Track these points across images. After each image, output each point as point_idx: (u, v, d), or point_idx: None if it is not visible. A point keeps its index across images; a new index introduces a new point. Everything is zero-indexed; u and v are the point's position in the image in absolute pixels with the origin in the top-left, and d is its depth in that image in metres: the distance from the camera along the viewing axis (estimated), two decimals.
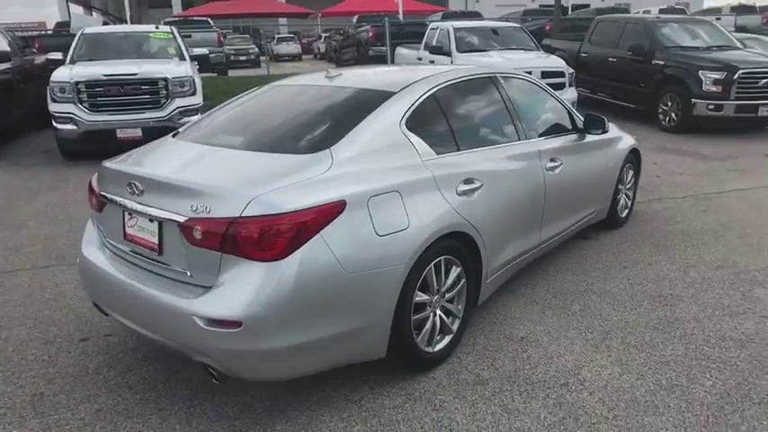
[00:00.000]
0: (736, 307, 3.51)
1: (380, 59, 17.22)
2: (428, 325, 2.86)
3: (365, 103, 2.96)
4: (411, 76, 3.26)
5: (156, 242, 2.50)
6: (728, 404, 2.61)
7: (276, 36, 30.13)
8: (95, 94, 7.69)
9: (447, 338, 2.99)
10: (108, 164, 2.87)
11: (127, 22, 24.64)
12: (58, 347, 3.29)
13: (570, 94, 9.12)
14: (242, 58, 27.07)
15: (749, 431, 2.44)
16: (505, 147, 3.43)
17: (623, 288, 3.82)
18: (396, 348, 2.68)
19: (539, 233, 3.71)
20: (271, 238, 2.22)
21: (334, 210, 2.36)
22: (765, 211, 5.33)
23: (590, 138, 4.24)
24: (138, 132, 7.88)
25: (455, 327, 3.03)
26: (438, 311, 2.91)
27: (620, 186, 4.81)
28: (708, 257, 4.29)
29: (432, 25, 11.46)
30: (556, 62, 9.26)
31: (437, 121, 3.10)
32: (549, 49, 11.37)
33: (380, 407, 2.66)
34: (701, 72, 8.43)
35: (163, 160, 2.92)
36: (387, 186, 2.58)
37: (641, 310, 3.50)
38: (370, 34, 16.52)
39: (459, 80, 3.36)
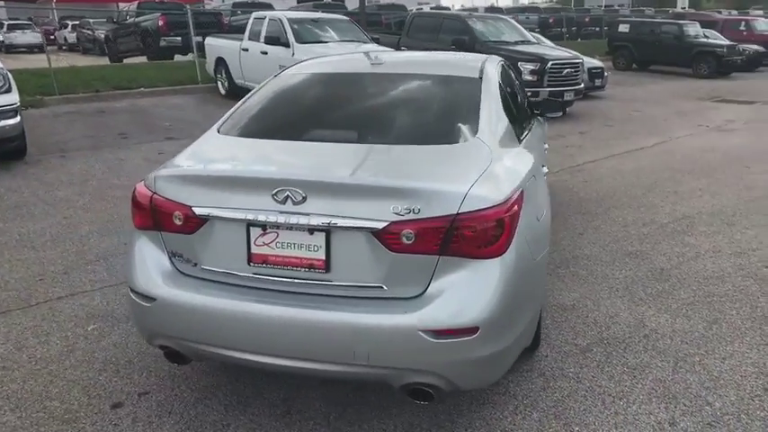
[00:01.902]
0: (687, 253, 4.33)
1: (173, 51, 15.82)
2: None
3: (461, 89, 2.93)
4: (465, 61, 3.28)
5: (322, 257, 2.12)
6: (764, 324, 3.27)
7: (5, 22, 25.05)
8: None
9: None
10: (220, 171, 2.33)
11: None
12: (94, 423, 2.53)
13: None
14: None
15: None
16: (535, 129, 3.65)
17: (599, 251, 4.38)
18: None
19: None
20: (491, 232, 2.08)
21: (521, 198, 2.30)
22: (626, 177, 6.54)
23: (540, 120, 4.70)
24: None
25: None
26: None
27: None
28: (630, 218, 5.14)
29: (256, 15, 10.98)
30: None
31: (505, 106, 3.16)
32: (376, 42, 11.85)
33: (532, 392, 2.69)
34: (519, 63, 9.76)
35: (292, 161, 2.43)
36: (529, 171, 2.59)
37: (631, 267, 4.09)
38: (161, 23, 15.00)
39: (497, 65, 3.44)
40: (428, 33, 11.30)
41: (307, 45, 9.71)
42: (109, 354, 3.05)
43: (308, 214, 2.09)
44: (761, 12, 31.10)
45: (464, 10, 27.42)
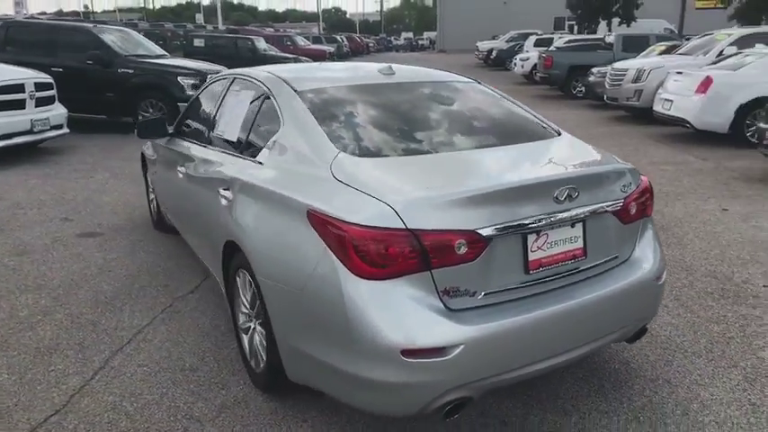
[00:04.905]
0: None
1: None
2: None
3: (490, 92, 3.29)
4: (438, 72, 3.55)
5: (581, 246, 2.31)
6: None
7: None
8: None
9: None
10: (498, 185, 2.15)
11: None
12: None
13: (62, 108, 8.01)
14: None
15: None
16: None
17: None
18: None
19: None
20: (649, 196, 2.62)
21: None
22: None
23: None
24: None
25: None
26: None
27: None
28: None
29: None
30: (42, 75, 7.77)
31: None
32: None
33: (674, 338, 3.05)
34: (179, 78, 9.24)
35: (504, 167, 2.53)
36: None
37: None
38: None
39: None
40: (38, 48, 9.15)
41: None
42: None
43: (572, 209, 2.23)
44: (272, 29, 36.73)
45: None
